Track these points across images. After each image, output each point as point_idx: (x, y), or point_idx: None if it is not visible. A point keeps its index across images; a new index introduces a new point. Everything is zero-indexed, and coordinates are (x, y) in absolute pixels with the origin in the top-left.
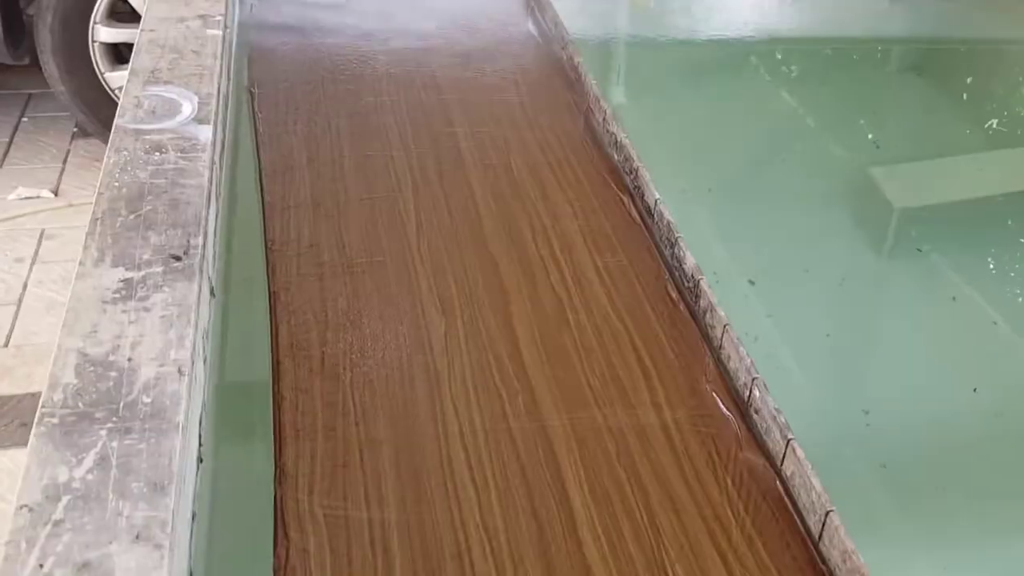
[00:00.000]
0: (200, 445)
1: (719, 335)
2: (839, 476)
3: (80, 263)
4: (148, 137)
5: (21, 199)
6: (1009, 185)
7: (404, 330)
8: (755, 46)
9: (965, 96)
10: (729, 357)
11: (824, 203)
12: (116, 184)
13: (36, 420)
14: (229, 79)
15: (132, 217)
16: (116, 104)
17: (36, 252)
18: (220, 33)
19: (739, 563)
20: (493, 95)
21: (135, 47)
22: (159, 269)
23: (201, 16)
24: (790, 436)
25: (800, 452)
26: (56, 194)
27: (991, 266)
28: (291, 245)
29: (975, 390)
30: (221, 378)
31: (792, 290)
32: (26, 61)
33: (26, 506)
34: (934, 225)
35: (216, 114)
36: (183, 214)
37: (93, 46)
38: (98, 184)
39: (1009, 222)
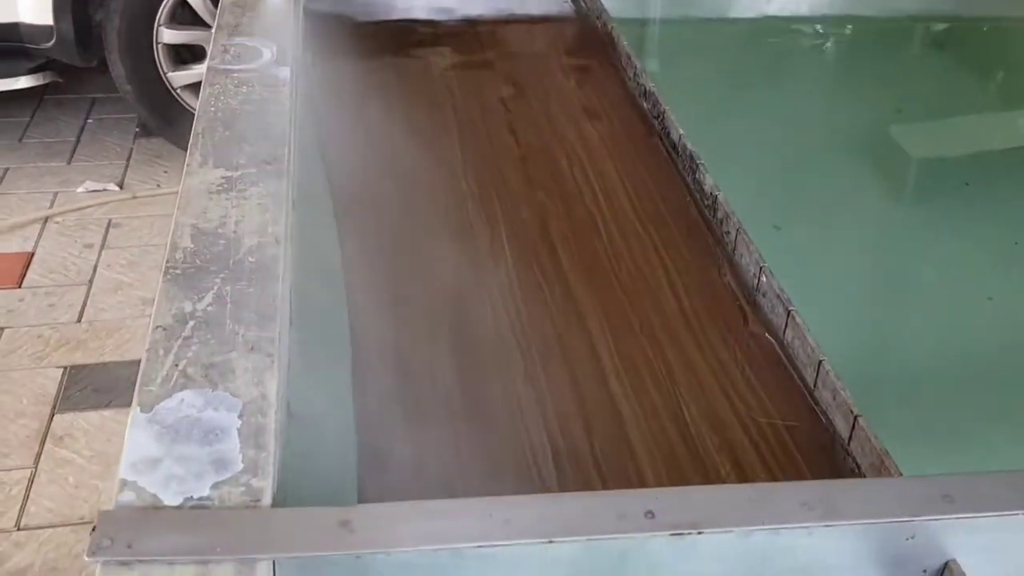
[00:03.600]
0: (291, 309)
1: (733, 238)
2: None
3: (187, 166)
4: (237, 75)
5: (89, 192)
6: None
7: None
8: (784, 22)
9: (984, 69)
10: (742, 255)
11: (848, 157)
12: (212, 110)
13: (162, 272)
14: (299, 33)
15: (228, 133)
16: (178, 102)
17: (104, 239)
18: None
19: (743, 403)
20: (535, 57)
21: (219, 8)
22: (253, 170)
23: None
24: (791, 308)
25: (800, 319)
26: (121, 187)
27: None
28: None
29: (990, 299)
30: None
31: (817, 234)
32: (94, 63)
33: (160, 327)
34: (949, 174)
35: (292, 60)
36: (271, 132)
37: (157, 47)
38: (197, 110)
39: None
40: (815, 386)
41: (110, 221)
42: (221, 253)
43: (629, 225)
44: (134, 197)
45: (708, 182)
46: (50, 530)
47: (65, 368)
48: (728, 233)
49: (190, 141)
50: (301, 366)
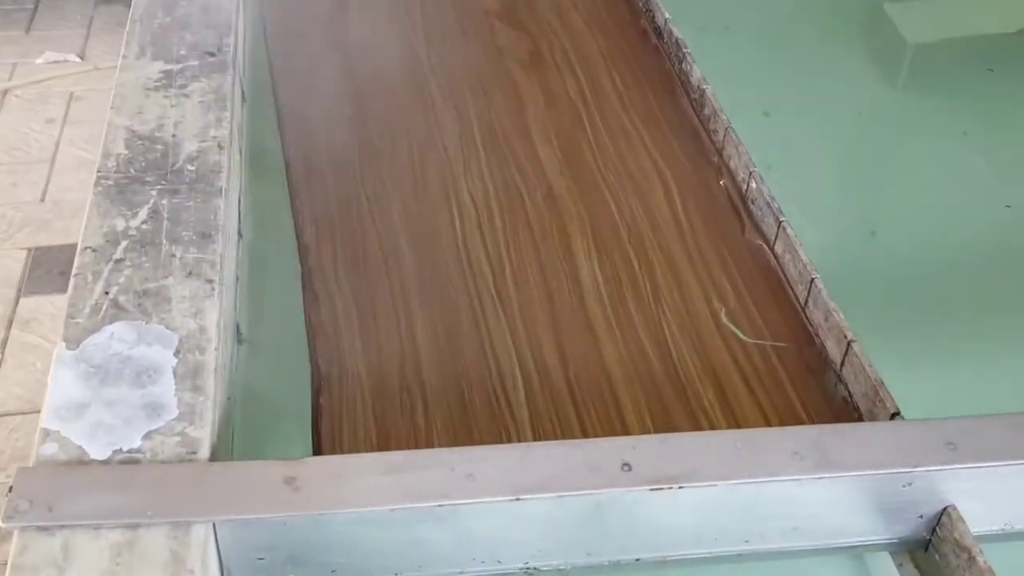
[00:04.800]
0: (240, 221)
1: (721, 138)
2: (846, 295)
3: (122, 57)
4: None
5: (49, 63)
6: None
7: (416, 137)
8: None
9: None
10: (730, 157)
11: (838, 39)
12: None
13: (93, 184)
14: None
15: (168, 19)
16: None
17: (66, 113)
18: None
19: (732, 323)
20: None
21: None
22: (195, 63)
23: None
24: (782, 219)
25: (790, 231)
26: (83, 58)
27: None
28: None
29: (1009, 207)
30: (252, 172)
31: (807, 122)
32: None
33: (89, 247)
34: (947, 59)
35: None
36: (215, 17)
37: None
38: None
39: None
40: (806, 305)
41: (72, 94)
42: (158, 161)
43: (616, 120)
44: (96, 69)
45: (696, 74)
46: (19, 417)
47: (29, 250)
48: (716, 132)
49: (126, 29)
50: (249, 288)
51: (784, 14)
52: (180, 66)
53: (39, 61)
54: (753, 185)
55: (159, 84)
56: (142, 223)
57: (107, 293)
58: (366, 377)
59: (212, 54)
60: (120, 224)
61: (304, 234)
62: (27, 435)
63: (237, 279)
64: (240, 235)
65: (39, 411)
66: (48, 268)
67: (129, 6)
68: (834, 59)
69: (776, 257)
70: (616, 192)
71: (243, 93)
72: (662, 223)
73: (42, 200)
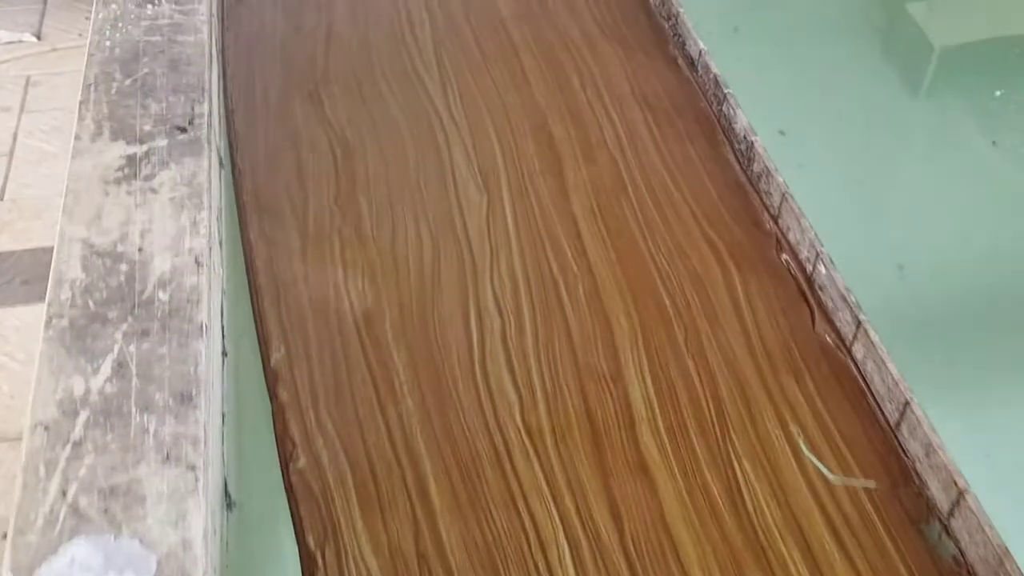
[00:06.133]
0: (224, 337)
1: (777, 203)
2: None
3: (76, 137)
4: None
5: (2, 44)
6: None
7: (424, 215)
8: None
9: None
10: (789, 228)
11: (859, 42)
12: (107, 43)
13: (44, 322)
14: None
15: (128, 82)
16: None
17: (23, 101)
18: None
19: (816, 454)
20: None
21: None
22: (163, 143)
23: None
24: (862, 317)
25: (874, 335)
26: (39, 38)
27: None
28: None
29: None
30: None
31: (825, 139)
32: None
33: (41, 424)
34: (974, 65)
35: None
36: (184, 77)
37: None
38: (88, 43)
39: None
40: (898, 429)
41: (28, 79)
42: (122, 288)
43: (659, 180)
44: (54, 50)
45: (741, 121)
46: None
47: None
48: (769, 195)
49: (79, 95)
50: (239, 427)
51: (796, 15)
52: (145, 147)
53: None
54: (821, 269)
55: (120, 175)
56: (105, 382)
57: (64, 494)
58: (372, 558)
59: (183, 129)
60: (78, 385)
61: (271, 353)
62: None
63: (224, 437)
64: (225, 353)
65: (8, 440)
66: (9, 277)
67: None
68: (853, 66)
69: (856, 363)
70: (668, 277)
71: (220, 159)
72: (722, 316)
73: (1, 199)
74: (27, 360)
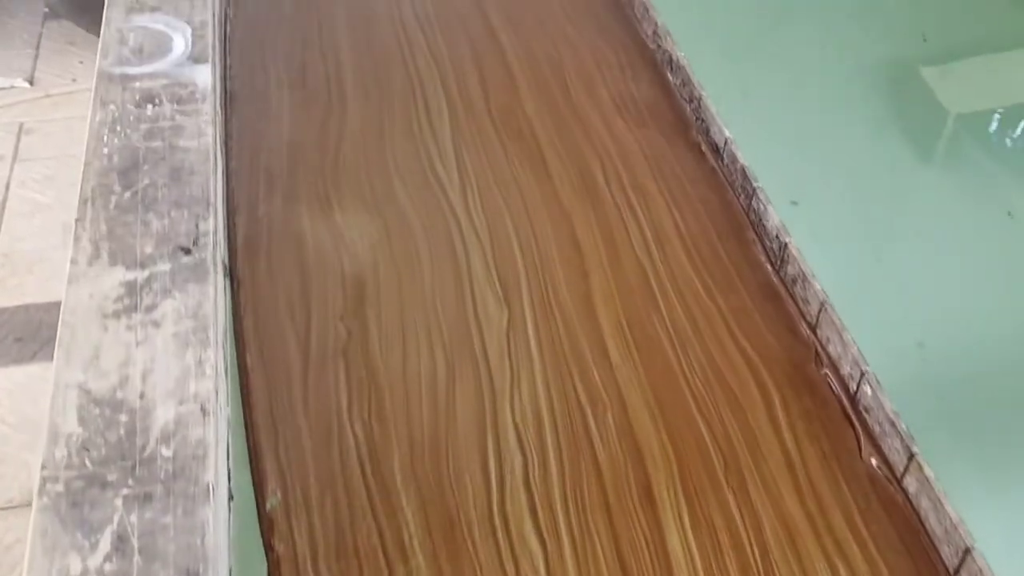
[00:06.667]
0: (230, 482)
1: (815, 312)
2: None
3: (72, 261)
4: (138, 84)
5: None
6: None
7: (446, 327)
8: None
9: None
10: (829, 340)
11: (870, 107)
12: (105, 150)
13: (37, 487)
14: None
15: (128, 195)
16: None
17: (16, 149)
18: None
19: None
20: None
21: None
22: (166, 267)
23: None
24: (914, 449)
25: (928, 471)
26: (31, 83)
27: None
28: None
29: None
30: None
31: (837, 209)
32: None
33: None
34: (989, 133)
35: (214, 48)
36: (187, 188)
37: None
38: (85, 148)
39: None
40: (957, 575)
41: (21, 126)
42: (122, 444)
43: (690, 289)
44: (47, 96)
45: (772, 219)
46: None
47: None
48: (807, 303)
49: (76, 213)
50: None
51: (806, 78)
52: (146, 273)
53: None
54: (867, 390)
55: (120, 307)
56: (104, 560)
57: None
58: None
59: (187, 250)
60: (75, 565)
61: (267, 498)
62: None
63: (230, 572)
64: (231, 496)
65: None
66: (3, 335)
67: (82, 27)
68: (865, 132)
69: (909, 498)
70: (703, 401)
71: (225, 267)
72: (763, 444)
73: None
74: (18, 424)
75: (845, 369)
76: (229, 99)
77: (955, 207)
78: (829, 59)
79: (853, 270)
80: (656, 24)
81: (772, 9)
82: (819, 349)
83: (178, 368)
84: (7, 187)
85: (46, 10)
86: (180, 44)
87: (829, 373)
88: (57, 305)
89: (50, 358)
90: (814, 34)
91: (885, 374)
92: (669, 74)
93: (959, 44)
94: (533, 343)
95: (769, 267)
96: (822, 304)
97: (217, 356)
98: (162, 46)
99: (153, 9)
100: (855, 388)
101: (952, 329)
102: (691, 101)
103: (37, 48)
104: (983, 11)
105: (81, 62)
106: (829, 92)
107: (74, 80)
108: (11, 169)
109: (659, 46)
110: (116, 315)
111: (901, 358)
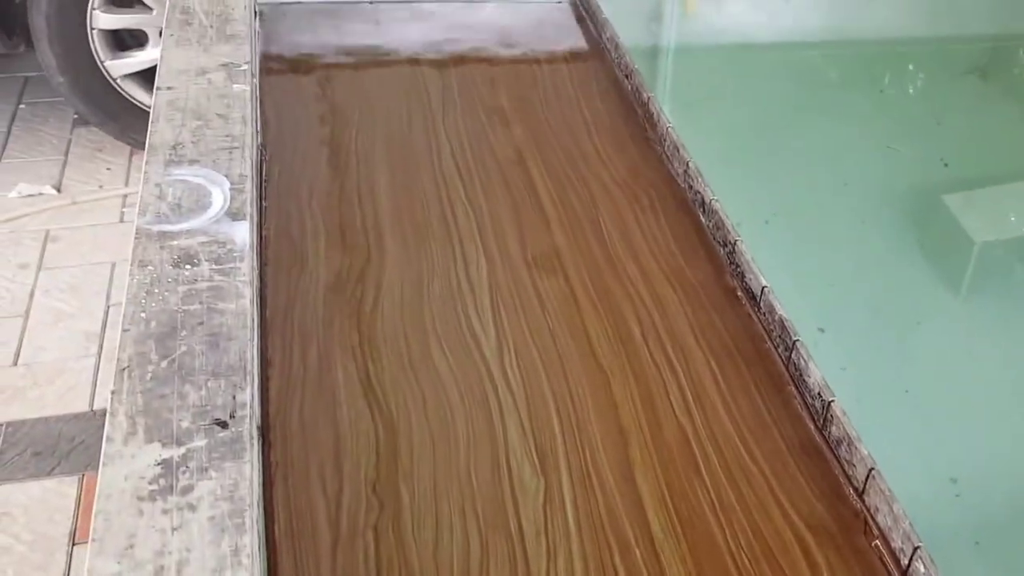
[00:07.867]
0: None
1: (862, 477)
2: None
3: (107, 439)
4: (175, 243)
5: (23, 196)
6: None
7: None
8: (808, 49)
9: None
10: (878, 509)
11: (894, 235)
12: (143, 315)
13: None
14: (261, 145)
15: (165, 364)
16: (118, 94)
17: (41, 257)
18: (247, 89)
19: None
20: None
21: (152, 113)
22: (202, 443)
23: (224, 65)
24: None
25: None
26: (59, 190)
27: None
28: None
29: None
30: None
31: (864, 339)
32: (21, 49)
33: None
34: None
35: (251, 204)
36: (224, 356)
37: (92, 33)
38: (123, 313)
39: None
40: None
41: (47, 233)
42: None
43: (733, 452)
44: (73, 203)
45: (814, 375)
46: None
47: (1, 426)
48: (853, 465)
49: (112, 386)
50: None
51: (827, 207)
52: (182, 450)
53: (12, 195)
54: (920, 568)
55: (155, 488)
56: None
57: None
58: None
59: (223, 424)
60: None
61: None
62: None
63: None
64: None
65: None
66: (21, 449)
67: (111, 135)
68: (889, 260)
69: None
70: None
71: (259, 430)
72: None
73: (14, 363)
74: (33, 542)
75: (895, 543)
76: (264, 246)
77: (984, 336)
78: (852, 183)
79: (881, 401)
80: (687, 164)
81: (790, 140)
82: (868, 518)
83: (214, 558)
84: (31, 295)
85: (75, 116)
86: (219, 199)
87: (880, 545)
88: (77, 417)
89: (68, 473)
90: (836, 157)
91: (919, 512)
92: (702, 216)
93: (976, 171)
94: (571, 517)
95: (811, 424)
96: (870, 471)
97: (252, 542)
98: (200, 201)
99: (192, 162)
100: (907, 563)
101: (987, 464)
102: (725, 245)
103: (66, 155)
104: (1005, 136)
105: (108, 168)
106: (852, 220)
107: (100, 187)
108: (36, 277)
109: (690, 186)
110: (152, 497)
111: (935, 495)
